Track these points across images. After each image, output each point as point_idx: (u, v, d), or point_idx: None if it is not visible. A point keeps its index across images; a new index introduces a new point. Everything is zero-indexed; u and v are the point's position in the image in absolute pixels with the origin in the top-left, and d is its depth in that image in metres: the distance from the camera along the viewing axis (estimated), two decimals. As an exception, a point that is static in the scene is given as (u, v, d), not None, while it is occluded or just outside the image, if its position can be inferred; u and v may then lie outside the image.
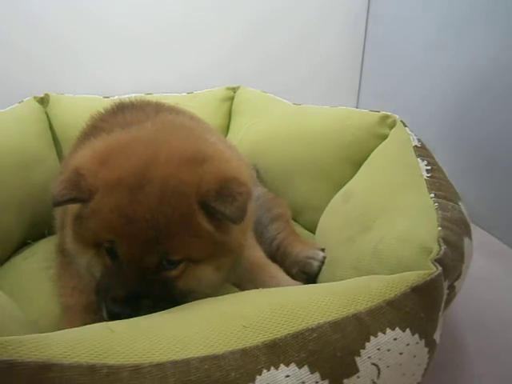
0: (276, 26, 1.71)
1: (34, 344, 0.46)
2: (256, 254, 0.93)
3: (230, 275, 0.86)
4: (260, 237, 1.00)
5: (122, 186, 0.66)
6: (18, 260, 1.01)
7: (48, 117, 1.30)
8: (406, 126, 1.05)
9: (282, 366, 0.49)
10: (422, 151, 0.94)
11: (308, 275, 0.92)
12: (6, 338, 0.45)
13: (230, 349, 0.49)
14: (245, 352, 0.49)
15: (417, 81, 1.53)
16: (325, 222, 1.05)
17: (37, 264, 0.98)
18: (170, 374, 0.46)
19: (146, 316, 0.59)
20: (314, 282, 0.91)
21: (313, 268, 0.91)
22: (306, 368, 0.49)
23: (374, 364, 0.51)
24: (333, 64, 1.78)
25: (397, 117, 1.09)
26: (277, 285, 0.85)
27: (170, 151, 0.71)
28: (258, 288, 0.71)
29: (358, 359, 0.50)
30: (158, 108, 1.00)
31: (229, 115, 1.51)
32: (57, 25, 1.48)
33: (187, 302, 0.65)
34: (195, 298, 0.66)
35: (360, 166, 1.10)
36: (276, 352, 0.50)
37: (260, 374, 0.48)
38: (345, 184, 1.11)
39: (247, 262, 0.90)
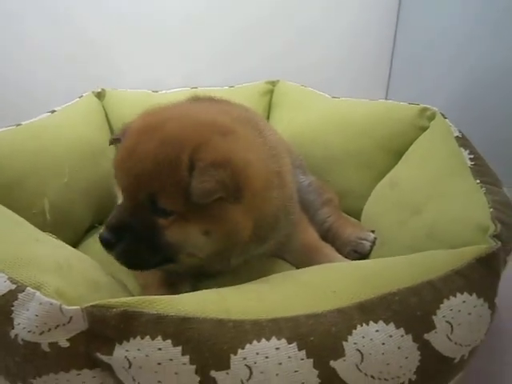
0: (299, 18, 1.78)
1: (171, 302, 0.55)
2: (310, 236, 1.01)
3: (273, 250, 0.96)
4: (311, 220, 1.08)
5: (137, 132, 0.75)
6: (91, 242, 1.10)
7: (105, 110, 1.40)
8: (445, 117, 1.13)
9: (371, 322, 0.58)
10: (463, 141, 1.02)
11: (360, 254, 1.01)
12: (151, 296, 0.55)
13: (327, 309, 0.59)
14: (340, 311, 0.59)
15: (448, 74, 1.59)
16: (371, 207, 1.14)
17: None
18: (284, 327, 0.55)
19: (248, 283, 0.68)
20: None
21: (365, 248, 1.00)
22: (392, 324, 0.58)
23: (447, 322, 0.59)
24: (362, 57, 1.85)
25: (436, 109, 1.17)
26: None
27: (194, 115, 0.77)
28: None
29: (434, 318, 0.59)
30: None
31: (268, 108, 1.59)
32: (107, 24, 1.59)
33: (174, 260, 0.74)
34: (183, 261, 0.76)
35: (401, 156, 1.19)
36: (365, 311, 0.59)
37: (355, 329, 0.57)
38: (387, 173, 1.20)
39: (301, 244, 0.99)
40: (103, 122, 1.35)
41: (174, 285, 0.87)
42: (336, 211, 1.12)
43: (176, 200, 0.70)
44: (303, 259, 0.98)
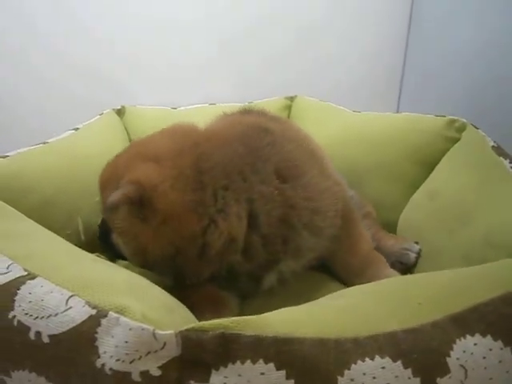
0: (317, 36, 1.81)
1: (266, 322, 0.52)
2: (358, 252, 0.96)
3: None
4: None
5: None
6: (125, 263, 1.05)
7: (125, 126, 1.36)
8: (477, 128, 1.13)
9: (468, 336, 0.55)
10: (500, 151, 1.02)
11: (405, 266, 0.99)
12: (245, 317, 0.51)
13: (420, 323, 0.56)
14: (434, 325, 0.56)
15: (459, 91, 1.61)
16: (410, 218, 1.13)
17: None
18: (384, 345, 0.52)
19: (320, 300, 0.66)
20: (411, 273, 0.99)
21: (410, 259, 0.99)
22: (489, 337, 0.56)
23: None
24: (372, 73, 1.87)
25: (465, 120, 1.18)
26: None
27: (138, 147, 0.88)
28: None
29: (531, 329, 0.57)
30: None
31: (287, 123, 1.58)
32: (125, 44, 1.59)
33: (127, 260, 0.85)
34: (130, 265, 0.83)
35: (431, 167, 1.19)
36: (458, 324, 0.56)
37: (455, 343, 0.54)
38: (418, 185, 1.20)
39: (347, 261, 0.96)
40: (123, 139, 1.32)
41: (224, 307, 0.84)
42: (375, 223, 1.11)
43: None
44: (349, 276, 0.95)
